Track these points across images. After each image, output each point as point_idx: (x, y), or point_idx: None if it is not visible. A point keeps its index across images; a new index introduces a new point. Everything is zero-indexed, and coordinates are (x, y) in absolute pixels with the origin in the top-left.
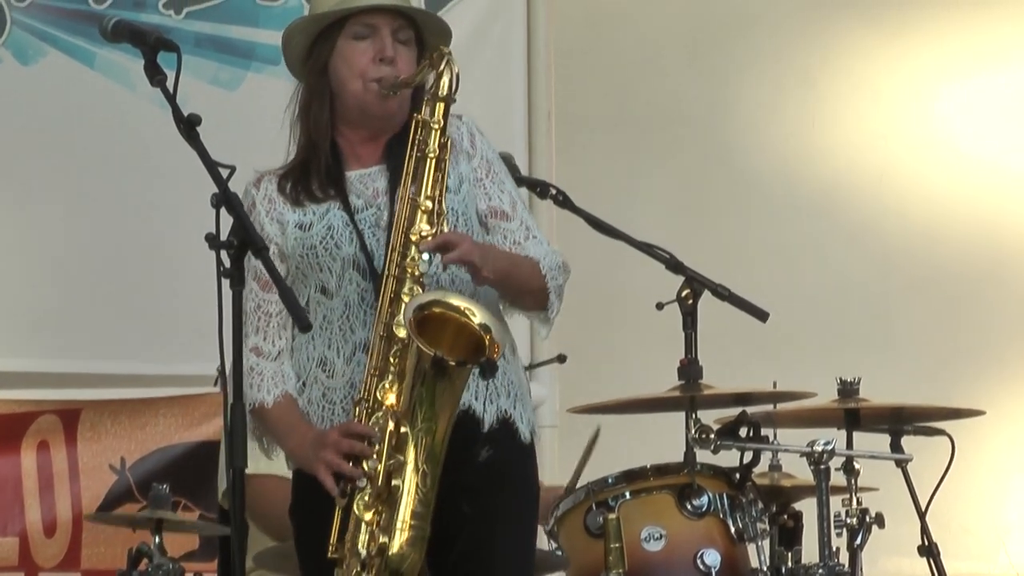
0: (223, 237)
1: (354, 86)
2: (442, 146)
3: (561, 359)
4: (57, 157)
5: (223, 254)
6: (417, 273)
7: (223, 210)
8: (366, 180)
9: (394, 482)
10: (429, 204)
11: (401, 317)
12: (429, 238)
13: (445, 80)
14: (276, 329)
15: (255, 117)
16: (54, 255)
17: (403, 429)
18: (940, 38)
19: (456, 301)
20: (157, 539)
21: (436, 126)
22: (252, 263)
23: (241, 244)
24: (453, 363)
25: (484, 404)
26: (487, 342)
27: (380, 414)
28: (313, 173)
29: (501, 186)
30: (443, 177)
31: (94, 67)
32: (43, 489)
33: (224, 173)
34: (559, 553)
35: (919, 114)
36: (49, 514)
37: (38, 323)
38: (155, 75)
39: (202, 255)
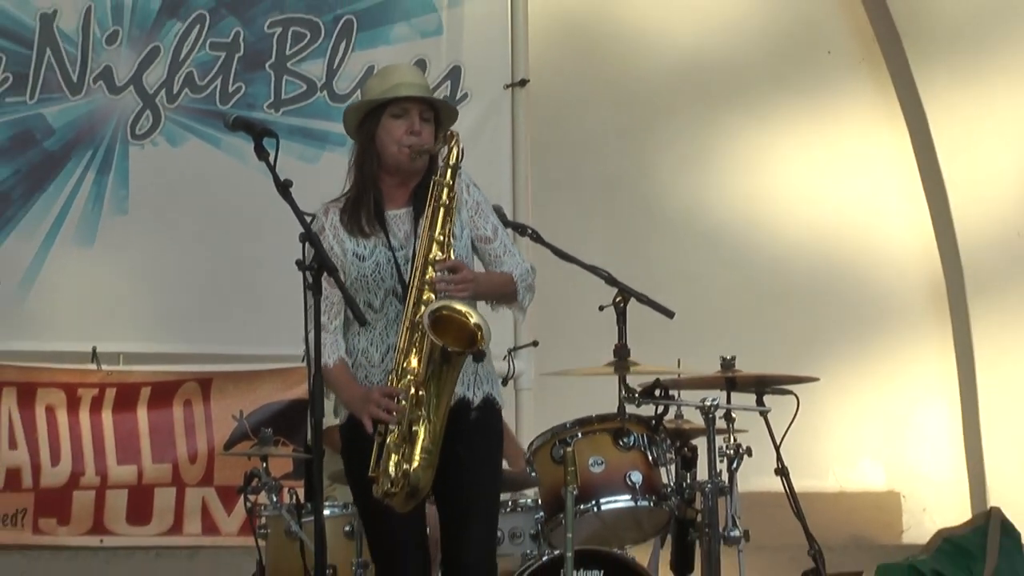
0: (307, 262)
1: (392, 149)
2: (451, 198)
3: (535, 344)
4: (197, 209)
5: (307, 274)
6: (432, 285)
7: (307, 245)
8: (398, 220)
9: (414, 428)
10: (441, 238)
11: (422, 317)
12: (444, 260)
13: (454, 152)
14: (335, 313)
15: (329, 183)
16: (194, 275)
17: (421, 393)
18: (786, 125)
19: (459, 306)
20: (264, 465)
21: (447, 184)
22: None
23: (319, 267)
24: (454, 352)
25: (473, 391)
26: (479, 337)
27: (406, 381)
28: (363, 210)
29: (486, 219)
30: (451, 219)
31: (220, 148)
32: (188, 432)
33: (308, 220)
34: (533, 475)
35: (776, 176)
36: (192, 448)
37: (184, 320)
38: (261, 154)
39: (293, 274)
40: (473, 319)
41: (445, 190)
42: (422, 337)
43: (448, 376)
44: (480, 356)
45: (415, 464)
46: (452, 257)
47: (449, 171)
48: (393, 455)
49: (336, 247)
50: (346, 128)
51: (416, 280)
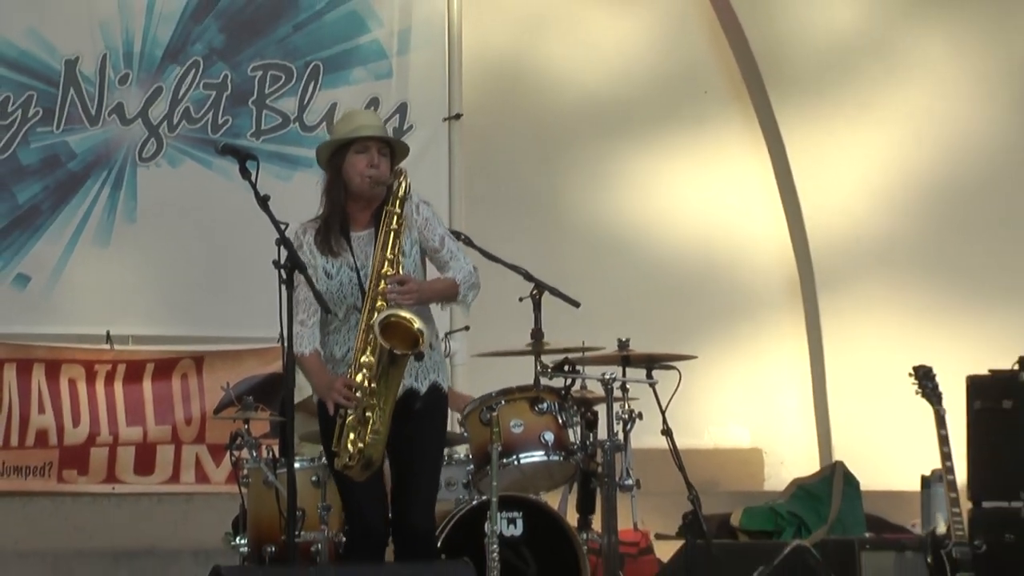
0: (281, 262)
1: (356, 180)
2: (399, 224)
3: (467, 328)
4: (192, 219)
5: (281, 272)
6: (383, 295)
7: (281, 248)
8: (361, 242)
9: (367, 414)
10: (391, 256)
11: (374, 323)
12: (394, 275)
13: (403, 186)
14: (312, 311)
15: (300, 197)
16: (190, 272)
17: (373, 385)
18: (672, 151)
19: (404, 313)
20: (247, 426)
21: (396, 213)
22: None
23: (292, 266)
24: (399, 354)
25: (420, 381)
26: (420, 340)
27: (362, 374)
28: (332, 231)
29: (434, 231)
30: (400, 241)
31: (211, 169)
32: (184, 400)
33: (282, 227)
34: (465, 434)
35: (663, 193)
36: (188, 413)
37: (182, 309)
38: (245, 173)
39: (271, 272)
40: (416, 325)
41: (395, 218)
42: (375, 338)
43: (395, 373)
44: (420, 357)
45: (367, 442)
46: (401, 272)
47: (398, 202)
48: (351, 434)
49: (312, 263)
50: (318, 162)
51: (371, 291)
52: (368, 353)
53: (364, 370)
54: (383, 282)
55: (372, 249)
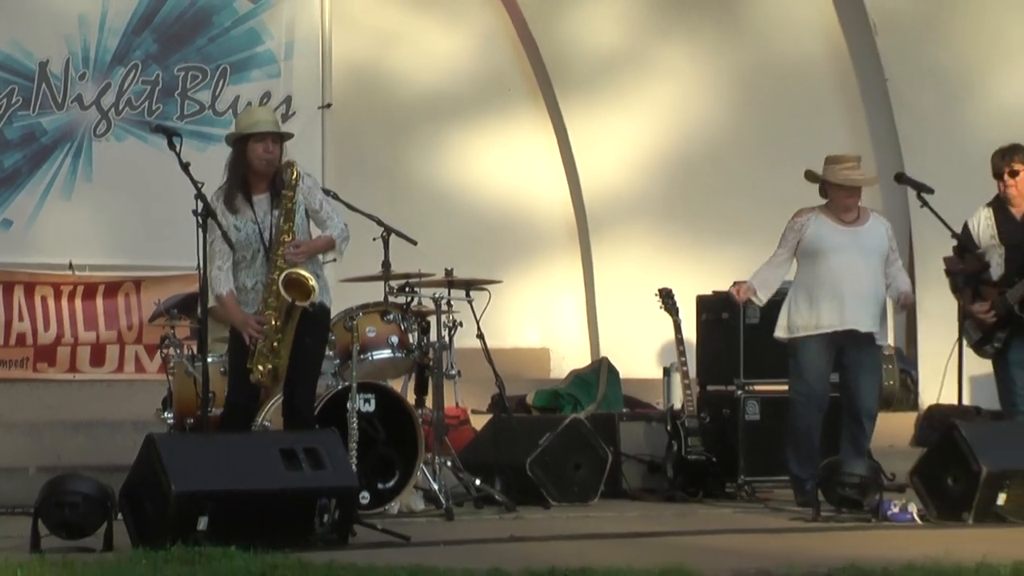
0: (199, 211)
1: (256, 161)
2: (293, 202)
3: (335, 260)
4: (133, 179)
5: (198, 218)
6: (283, 256)
7: (198, 200)
8: (260, 203)
9: (274, 343)
10: (287, 227)
11: (277, 279)
12: (289, 239)
13: (294, 174)
14: (224, 258)
15: (211, 164)
16: (132, 217)
17: (277, 323)
18: (486, 134)
19: (304, 272)
20: (173, 331)
21: (289, 196)
22: (219, 235)
23: (206, 214)
24: (296, 305)
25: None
26: (313, 293)
27: (269, 313)
28: (236, 196)
29: (315, 197)
30: (292, 215)
31: (147, 143)
32: (127, 311)
33: (199, 185)
34: (332, 337)
35: (478, 164)
36: (130, 321)
37: (126, 245)
38: (172, 146)
39: (190, 219)
40: (311, 283)
41: (289, 199)
42: (279, 291)
43: (294, 315)
44: (313, 306)
45: (274, 364)
46: (296, 236)
47: (291, 187)
48: (262, 357)
49: (224, 221)
50: (227, 143)
51: (274, 253)
52: (273, 298)
53: (272, 310)
54: (281, 247)
55: (268, 208)
